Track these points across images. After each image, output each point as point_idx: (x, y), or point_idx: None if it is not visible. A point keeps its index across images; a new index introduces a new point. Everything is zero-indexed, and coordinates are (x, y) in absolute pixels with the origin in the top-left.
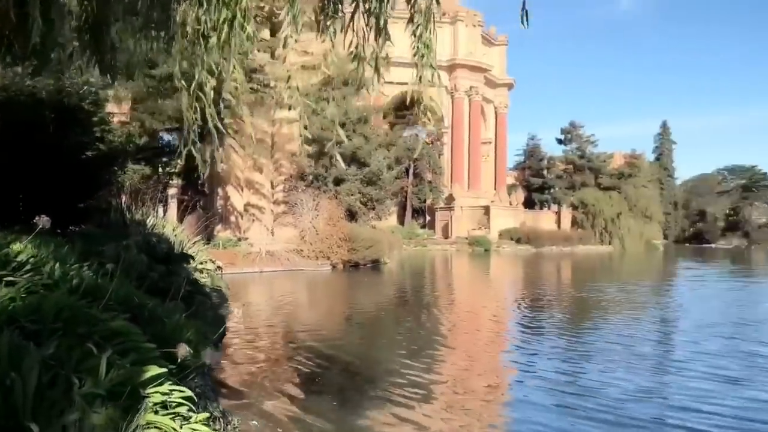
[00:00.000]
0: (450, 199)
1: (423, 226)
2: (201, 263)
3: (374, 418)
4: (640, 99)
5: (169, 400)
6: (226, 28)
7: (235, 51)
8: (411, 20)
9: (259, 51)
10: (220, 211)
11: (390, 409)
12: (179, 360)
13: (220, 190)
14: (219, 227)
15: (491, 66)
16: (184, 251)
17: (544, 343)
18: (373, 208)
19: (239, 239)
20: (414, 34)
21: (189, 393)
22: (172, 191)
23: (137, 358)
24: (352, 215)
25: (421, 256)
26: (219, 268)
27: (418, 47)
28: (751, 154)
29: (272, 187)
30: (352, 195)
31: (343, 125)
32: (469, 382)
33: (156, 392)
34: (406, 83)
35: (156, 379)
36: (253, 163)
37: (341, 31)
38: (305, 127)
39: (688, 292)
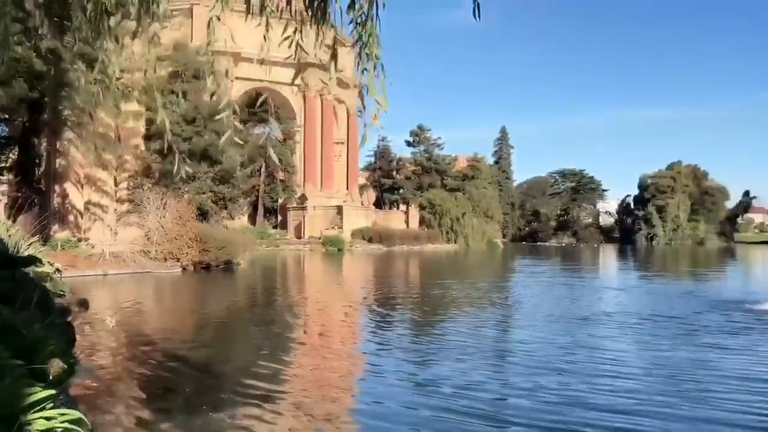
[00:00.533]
0: (303, 198)
1: (275, 226)
2: (37, 266)
3: (224, 420)
4: (481, 104)
5: (56, 425)
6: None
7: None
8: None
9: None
10: (57, 209)
11: (241, 411)
12: (50, 377)
13: (57, 188)
14: (56, 227)
15: (343, 67)
16: (20, 254)
17: (394, 341)
18: (225, 207)
19: (79, 240)
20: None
21: (78, 415)
22: (2, 188)
23: (10, 380)
24: (203, 215)
25: (274, 256)
26: (58, 270)
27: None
28: (580, 158)
29: (116, 184)
30: (203, 193)
31: (193, 120)
32: (320, 381)
33: (40, 417)
34: (257, 79)
35: (39, 403)
36: (95, 158)
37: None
38: (152, 122)
39: (527, 288)
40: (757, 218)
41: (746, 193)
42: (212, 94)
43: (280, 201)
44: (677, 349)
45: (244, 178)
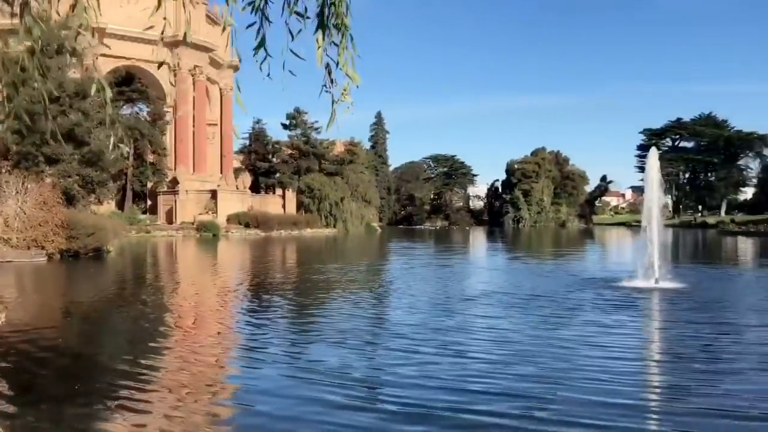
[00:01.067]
0: (174, 182)
1: (145, 212)
2: None
3: (90, 413)
4: (357, 89)
5: None
6: None
7: None
8: None
9: None
10: None
11: (110, 403)
12: None
13: None
14: None
15: (216, 46)
16: None
17: (270, 327)
18: (93, 192)
19: None
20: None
21: None
22: None
23: None
24: (69, 199)
25: (145, 243)
26: None
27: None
28: (452, 144)
29: None
30: (69, 177)
31: (57, 99)
32: (194, 371)
33: None
34: (124, 57)
35: None
36: None
37: None
38: (8, 99)
39: (407, 271)
40: (612, 201)
41: (603, 178)
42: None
43: (150, 185)
44: (562, 327)
45: (114, 161)
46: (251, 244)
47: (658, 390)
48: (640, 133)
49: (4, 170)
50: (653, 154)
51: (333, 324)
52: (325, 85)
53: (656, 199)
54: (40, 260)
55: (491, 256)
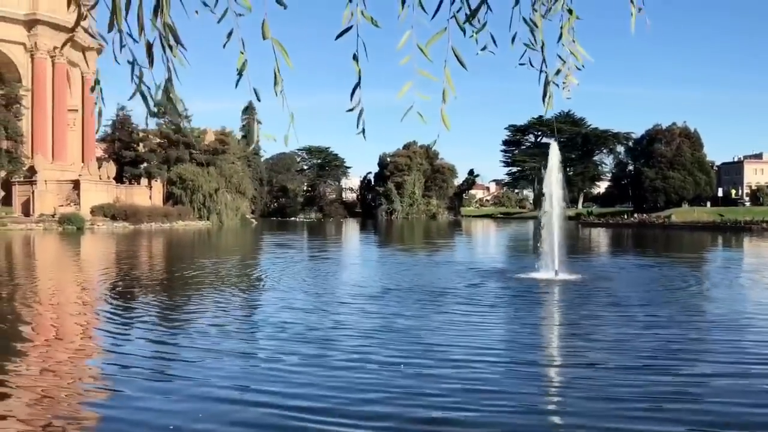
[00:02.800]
0: (32, 171)
1: None
2: None
3: None
4: (228, 77)
5: None
6: None
7: None
8: None
9: None
10: None
11: None
12: None
13: None
14: None
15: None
16: None
17: (136, 328)
18: None
19: None
20: None
21: None
22: None
23: None
24: None
25: (16, 236)
26: None
27: None
28: (324, 136)
29: None
30: None
31: None
32: (55, 380)
33: None
34: None
35: None
36: None
37: None
38: None
39: (283, 264)
40: (478, 194)
41: (471, 172)
42: None
43: (2, 174)
44: (495, 326)
45: None
46: (120, 238)
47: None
48: (506, 129)
49: None
50: (554, 148)
51: (201, 324)
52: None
53: (556, 191)
54: None
55: (374, 248)
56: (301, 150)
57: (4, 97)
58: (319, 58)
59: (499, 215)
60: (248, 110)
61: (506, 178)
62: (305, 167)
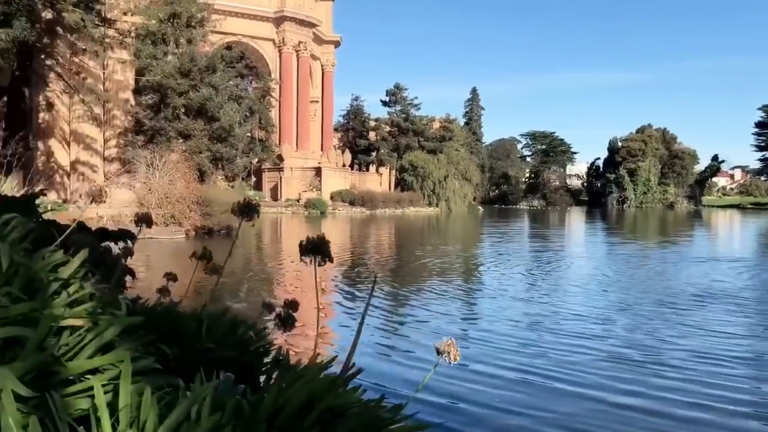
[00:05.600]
0: (279, 159)
1: (252, 188)
2: None
3: None
4: (451, 64)
5: None
6: None
7: None
8: None
9: None
10: (41, 168)
11: None
12: None
13: (41, 145)
14: (42, 188)
15: (320, 21)
16: None
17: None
18: (222, 168)
19: (64, 201)
20: None
21: None
22: None
23: None
24: (200, 175)
25: (263, 220)
26: None
27: None
28: (545, 121)
29: (104, 142)
30: (200, 153)
31: (188, 73)
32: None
33: None
34: (231, 33)
35: None
36: (82, 113)
37: None
38: (142, 74)
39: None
40: (720, 182)
41: (715, 158)
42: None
43: (255, 161)
44: None
45: (243, 136)
46: (361, 222)
47: None
48: (759, 109)
49: (138, 145)
50: None
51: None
52: None
53: None
54: (179, 237)
55: (660, 242)
56: (524, 135)
57: (258, 90)
58: (546, 40)
59: (748, 205)
60: (472, 97)
61: (756, 165)
62: (528, 153)
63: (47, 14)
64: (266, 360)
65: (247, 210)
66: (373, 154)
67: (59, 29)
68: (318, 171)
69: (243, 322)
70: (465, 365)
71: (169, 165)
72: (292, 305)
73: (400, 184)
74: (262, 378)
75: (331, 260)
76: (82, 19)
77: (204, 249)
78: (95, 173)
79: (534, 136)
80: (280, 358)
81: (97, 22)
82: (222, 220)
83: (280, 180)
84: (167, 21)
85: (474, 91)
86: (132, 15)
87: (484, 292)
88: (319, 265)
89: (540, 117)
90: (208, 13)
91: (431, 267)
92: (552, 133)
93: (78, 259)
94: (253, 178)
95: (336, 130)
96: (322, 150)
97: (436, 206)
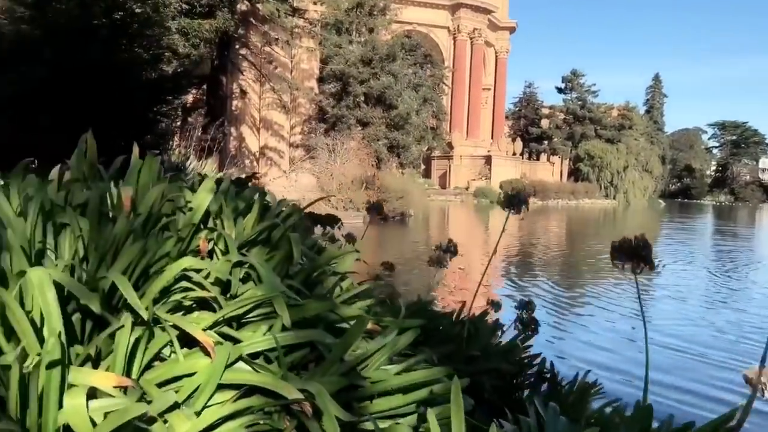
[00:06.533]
0: (449, 146)
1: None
2: None
3: None
4: (632, 50)
5: None
6: None
7: None
8: None
9: None
10: (233, 152)
11: None
12: None
13: (234, 130)
14: (232, 171)
15: (495, 7)
16: None
17: None
18: (398, 156)
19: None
20: None
21: None
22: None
23: None
24: (377, 162)
25: (431, 207)
26: None
27: None
28: (737, 110)
29: (290, 128)
30: (378, 140)
31: (369, 62)
32: None
33: None
34: (406, 21)
35: None
36: (271, 101)
37: None
38: (327, 63)
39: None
40: None
41: None
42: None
43: (424, 149)
44: None
45: (420, 124)
46: (532, 212)
47: None
48: None
49: (319, 132)
50: None
51: None
52: None
53: None
54: (357, 222)
55: None
56: (712, 125)
57: (433, 78)
58: (738, 23)
59: None
60: (654, 84)
61: None
62: (715, 144)
63: (242, 6)
64: (529, 372)
65: (516, 201)
66: (545, 142)
67: (252, 20)
68: (488, 159)
69: (500, 326)
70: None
71: (348, 151)
72: (527, 306)
73: (574, 174)
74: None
75: (652, 267)
76: (277, 9)
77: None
78: (282, 158)
79: (723, 126)
80: (545, 371)
81: (288, 12)
82: (396, 207)
83: (449, 168)
84: (352, 10)
85: (656, 77)
86: (320, 4)
87: (679, 293)
88: (639, 273)
89: (728, 106)
90: (389, 2)
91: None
92: (744, 123)
93: (351, 253)
94: (422, 166)
95: (507, 117)
96: (492, 138)
97: (614, 198)
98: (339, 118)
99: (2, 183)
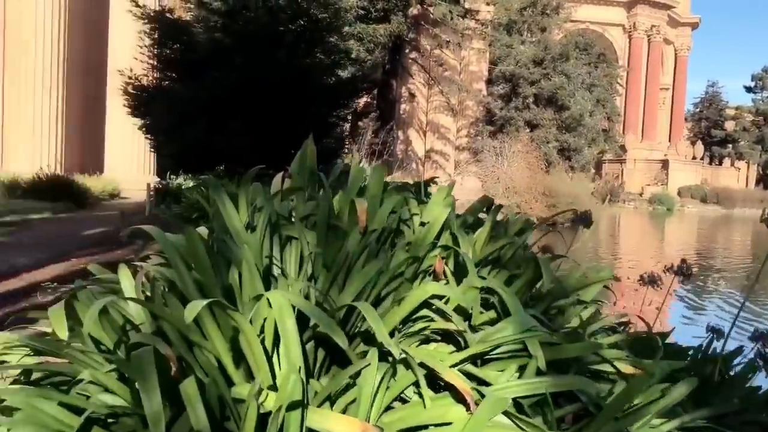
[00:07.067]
0: (621, 149)
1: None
2: None
3: None
4: None
5: None
6: None
7: None
8: None
9: None
10: (399, 156)
11: None
12: None
13: (401, 134)
14: (397, 174)
15: (677, 2)
16: None
17: None
18: (569, 159)
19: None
20: None
21: None
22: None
23: None
24: (546, 166)
25: (604, 214)
26: None
27: None
28: None
29: (456, 132)
30: (548, 143)
31: (541, 62)
32: None
33: None
34: (581, 21)
35: None
36: (438, 104)
37: None
38: (496, 64)
39: None
40: None
41: None
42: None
43: (595, 152)
44: None
45: (594, 126)
46: (717, 222)
47: None
48: None
49: (486, 135)
50: None
51: None
52: None
53: None
54: None
55: None
56: None
57: (607, 78)
58: None
59: None
60: None
61: None
62: None
63: (413, 10)
64: None
65: None
66: (730, 146)
67: (423, 23)
68: (665, 164)
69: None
70: None
71: (516, 155)
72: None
73: (764, 180)
74: None
75: None
76: (450, 12)
77: None
78: (447, 161)
79: None
80: None
81: (460, 14)
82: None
83: (622, 172)
84: (524, 9)
85: None
86: (492, 5)
87: None
88: None
89: None
90: (563, 0)
91: None
92: None
93: (599, 282)
94: (592, 170)
95: (686, 119)
96: (669, 141)
97: None
98: (507, 120)
99: (229, 192)
